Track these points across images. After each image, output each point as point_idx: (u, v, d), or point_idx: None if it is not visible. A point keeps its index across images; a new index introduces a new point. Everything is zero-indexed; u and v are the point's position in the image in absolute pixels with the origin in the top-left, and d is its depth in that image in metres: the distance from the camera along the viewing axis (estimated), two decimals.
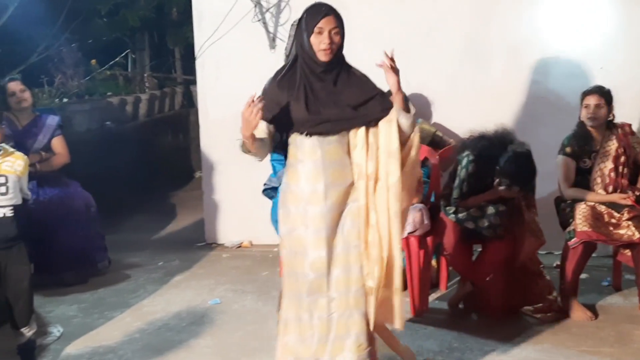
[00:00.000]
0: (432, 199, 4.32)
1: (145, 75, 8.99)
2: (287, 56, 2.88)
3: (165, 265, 5.18)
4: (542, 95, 5.11)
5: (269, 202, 4.80)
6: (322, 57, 2.80)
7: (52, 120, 5.01)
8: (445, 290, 4.48)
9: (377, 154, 2.87)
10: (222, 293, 4.55)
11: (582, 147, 4.14)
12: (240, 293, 4.55)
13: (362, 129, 2.88)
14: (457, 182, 4.01)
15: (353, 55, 4.90)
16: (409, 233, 3.96)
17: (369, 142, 2.88)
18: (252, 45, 5.26)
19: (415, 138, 2.92)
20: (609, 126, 4.16)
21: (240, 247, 5.56)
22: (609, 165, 4.09)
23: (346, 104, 2.85)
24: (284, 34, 5.16)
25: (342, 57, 2.90)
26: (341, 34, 2.84)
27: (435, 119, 5.05)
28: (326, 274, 2.90)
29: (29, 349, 3.61)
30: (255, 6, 5.06)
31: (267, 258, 5.27)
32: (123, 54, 9.86)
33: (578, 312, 4.01)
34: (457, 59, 5.12)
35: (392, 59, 2.84)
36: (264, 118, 2.78)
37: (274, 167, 4.81)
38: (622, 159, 4.10)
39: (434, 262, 4.43)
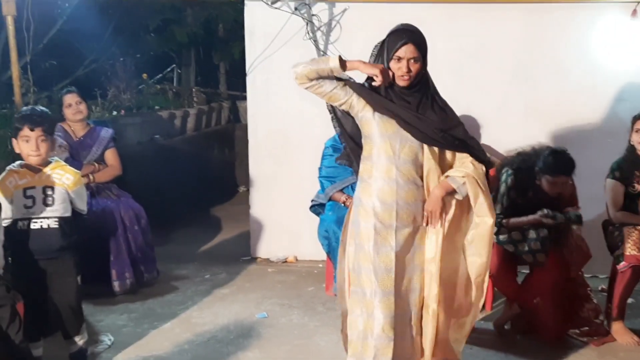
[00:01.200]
0: None
1: (193, 90, 9.15)
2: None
3: (212, 278, 5.25)
4: (591, 118, 5.10)
5: (315, 218, 4.86)
6: (400, 81, 2.90)
7: (106, 132, 5.14)
8: (491, 311, 4.48)
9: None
10: (269, 307, 4.60)
11: (631, 172, 4.11)
12: (287, 308, 4.60)
13: (449, 155, 3.03)
14: (498, 197, 4.03)
15: None
16: None
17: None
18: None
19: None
20: None
21: (285, 262, 5.62)
22: None
23: (431, 125, 2.93)
24: (334, 51, 5.23)
25: (426, 83, 2.98)
26: (422, 61, 2.92)
27: (484, 140, 5.05)
28: (393, 292, 2.95)
29: (80, 357, 3.70)
30: (307, 24, 5.13)
31: (312, 274, 5.32)
32: (169, 69, 10.07)
33: (625, 336, 4.00)
34: (506, 80, 5.14)
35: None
36: (351, 86, 2.92)
37: (322, 184, 4.87)
38: None
39: None
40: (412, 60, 2.88)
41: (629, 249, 3.92)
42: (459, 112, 4.88)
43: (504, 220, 3.97)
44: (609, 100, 5.07)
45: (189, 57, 10.07)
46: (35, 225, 3.50)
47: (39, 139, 3.49)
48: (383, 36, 5.18)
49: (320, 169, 4.90)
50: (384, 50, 2.93)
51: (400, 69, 2.87)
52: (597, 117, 5.09)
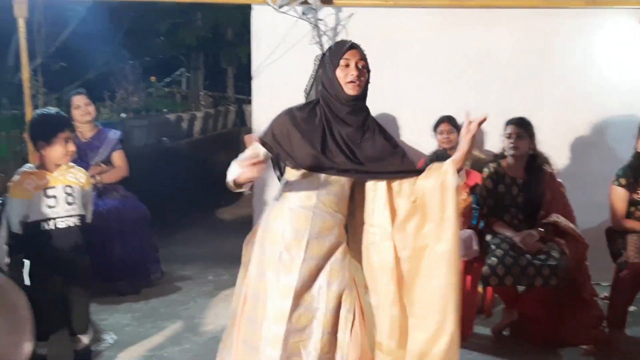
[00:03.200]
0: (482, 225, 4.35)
1: (201, 93, 9.22)
2: (307, 96, 2.77)
3: (215, 279, 5.29)
4: (595, 125, 5.11)
5: None
6: (349, 90, 2.63)
7: (114, 134, 5.20)
8: (491, 316, 4.49)
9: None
10: None
11: (636, 179, 4.12)
12: None
13: (383, 189, 2.68)
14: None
15: (406, 76, 5.08)
16: None
17: (393, 204, 2.69)
18: (308, 68, 5.36)
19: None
20: None
21: None
22: None
23: (365, 155, 2.66)
24: None
25: (366, 99, 2.73)
26: (368, 70, 2.70)
27: (486, 146, 5.08)
28: (284, 328, 2.66)
29: (86, 354, 3.73)
30: (313, 29, 5.17)
31: None
32: (178, 72, 10.16)
33: (624, 344, 3.99)
34: (509, 86, 5.16)
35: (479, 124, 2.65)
36: (264, 144, 2.68)
37: None
38: None
39: (480, 288, 4.44)
40: (360, 65, 2.66)
41: (633, 257, 3.94)
42: (461, 118, 4.98)
43: (491, 219, 4.02)
44: (615, 107, 5.07)
45: (198, 60, 10.16)
46: (61, 224, 3.53)
47: (70, 140, 3.55)
48: (389, 41, 5.30)
49: None
50: (327, 61, 2.69)
51: (350, 74, 2.62)
52: (602, 123, 5.10)
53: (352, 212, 2.81)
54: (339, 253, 2.73)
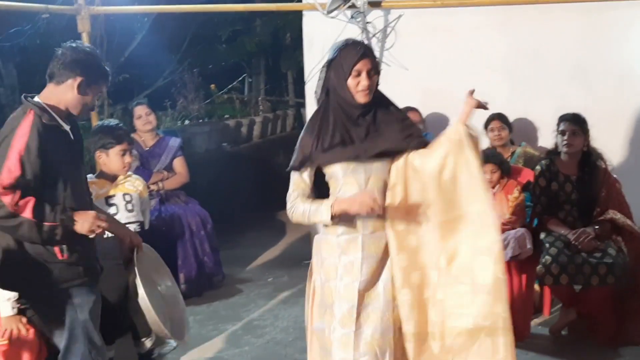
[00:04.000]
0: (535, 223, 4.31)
1: (259, 98, 9.38)
2: (318, 100, 2.81)
3: (275, 281, 5.40)
4: None
5: None
6: (361, 98, 2.66)
7: (175, 142, 5.37)
8: (549, 316, 4.43)
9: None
10: None
11: None
12: None
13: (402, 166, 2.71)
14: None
15: (458, 75, 5.06)
16: (512, 257, 3.98)
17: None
18: None
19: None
20: None
21: None
22: None
23: (386, 138, 2.69)
24: (389, 58, 5.29)
25: (381, 95, 2.76)
26: (377, 73, 2.72)
27: (542, 143, 5.00)
28: (353, 330, 2.67)
29: (149, 357, 3.85)
30: (362, 32, 5.20)
31: None
32: (240, 78, 10.36)
33: None
34: (564, 83, 5.05)
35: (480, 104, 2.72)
36: (300, 169, 2.74)
37: None
38: None
39: (536, 287, 4.39)
40: (371, 73, 2.67)
41: None
42: (515, 115, 4.95)
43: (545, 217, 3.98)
44: None
45: (259, 66, 10.33)
46: None
47: (128, 152, 3.69)
48: (437, 41, 5.29)
49: None
50: (340, 67, 2.67)
51: (361, 83, 2.63)
52: None
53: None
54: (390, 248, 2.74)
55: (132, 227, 3.72)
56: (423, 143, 2.73)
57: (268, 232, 6.93)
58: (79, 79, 2.76)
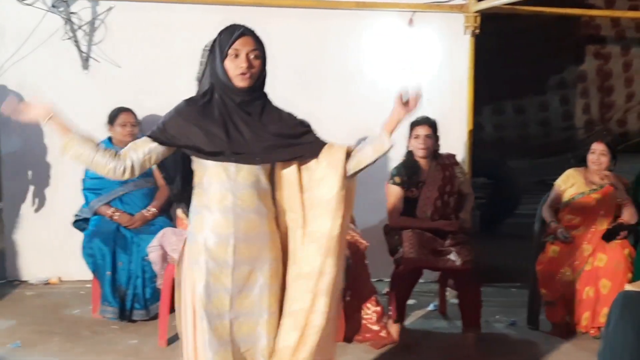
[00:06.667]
0: None
1: None
2: (199, 84, 2.49)
3: None
4: (372, 126, 5.13)
5: (80, 235, 4.46)
6: (239, 82, 2.45)
7: None
8: None
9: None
10: (25, 335, 4.09)
11: (410, 177, 4.20)
12: (47, 334, 4.12)
13: (294, 169, 2.55)
14: None
15: (174, 75, 4.78)
16: None
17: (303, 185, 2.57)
18: (62, 65, 4.90)
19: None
20: (435, 156, 4.26)
21: (47, 283, 5.08)
22: (435, 194, 4.18)
23: (274, 134, 2.50)
24: (99, 53, 4.89)
25: (263, 88, 2.56)
26: (262, 57, 2.50)
27: None
28: (229, 342, 2.53)
29: None
30: (66, 23, 4.71)
31: (78, 295, 4.84)
32: None
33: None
34: (289, 88, 5.02)
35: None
36: (154, 137, 2.48)
37: (86, 197, 4.52)
38: (448, 188, 4.22)
39: None
40: (252, 56, 2.46)
41: (407, 252, 4.00)
42: None
43: None
44: (388, 107, 5.02)
45: None
46: None
47: None
48: (154, 37, 4.97)
49: (83, 180, 4.52)
50: (216, 49, 2.48)
51: (239, 66, 2.42)
52: (378, 124, 5.11)
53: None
54: (276, 251, 2.57)
55: None
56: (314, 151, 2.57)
57: None
58: None
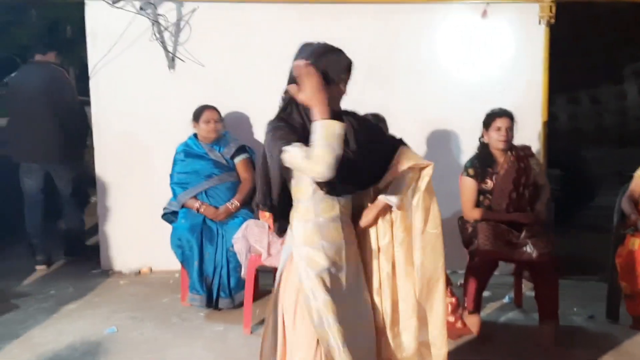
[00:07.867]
0: None
1: None
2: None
3: (58, 294, 4.92)
4: (445, 119, 5.22)
5: (168, 227, 4.68)
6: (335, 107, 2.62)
7: None
8: None
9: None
10: (119, 321, 4.37)
11: (484, 169, 4.23)
12: (139, 321, 4.38)
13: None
14: None
15: (255, 72, 4.98)
16: None
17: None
18: (150, 65, 5.13)
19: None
20: (510, 148, 4.26)
21: (139, 273, 5.36)
22: (510, 186, 4.19)
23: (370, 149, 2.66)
24: (184, 53, 5.08)
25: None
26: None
27: None
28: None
29: None
30: (153, 25, 4.93)
31: (167, 284, 5.11)
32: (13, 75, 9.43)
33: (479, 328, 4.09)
34: (360, 82, 5.12)
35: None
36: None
37: (174, 191, 4.71)
38: (523, 179, 4.22)
39: None
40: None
41: (482, 244, 4.04)
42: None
43: None
44: (461, 100, 5.17)
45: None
46: None
47: None
48: (236, 36, 5.13)
49: (171, 175, 4.74)
50: (334, 72, 2.65)
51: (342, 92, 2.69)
52: (451, 117, 5.21)
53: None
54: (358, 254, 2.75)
55: None
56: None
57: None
58: None
